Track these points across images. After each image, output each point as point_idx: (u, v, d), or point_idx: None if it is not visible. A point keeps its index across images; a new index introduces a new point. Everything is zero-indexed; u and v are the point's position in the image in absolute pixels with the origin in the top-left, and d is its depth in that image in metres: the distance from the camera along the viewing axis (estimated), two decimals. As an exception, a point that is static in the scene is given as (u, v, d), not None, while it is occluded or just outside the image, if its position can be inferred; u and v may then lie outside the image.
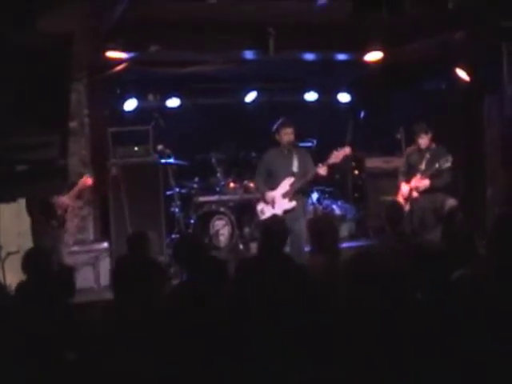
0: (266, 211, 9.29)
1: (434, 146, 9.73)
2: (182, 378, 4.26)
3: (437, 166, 9.33)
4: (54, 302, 5.55)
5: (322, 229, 6.64)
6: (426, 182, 9.48)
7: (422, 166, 9.58)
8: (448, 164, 9.27)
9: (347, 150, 9.23)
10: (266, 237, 6.49)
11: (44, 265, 6.23)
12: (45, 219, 8.72)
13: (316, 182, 9.54)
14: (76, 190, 9.26)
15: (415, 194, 9.52)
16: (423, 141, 9.68)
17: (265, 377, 4.25)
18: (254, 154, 11.57)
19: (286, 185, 9.23)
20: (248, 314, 4.82)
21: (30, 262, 6.26)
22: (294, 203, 9.21)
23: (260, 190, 9.64)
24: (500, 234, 4.89)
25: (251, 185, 11.62)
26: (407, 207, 9.43)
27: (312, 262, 6.61)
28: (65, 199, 9.03)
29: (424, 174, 9.48)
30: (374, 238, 11.73)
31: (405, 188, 9.69)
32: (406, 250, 6.26)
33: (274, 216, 8.53)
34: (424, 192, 9.52)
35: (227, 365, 4.31)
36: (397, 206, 8.30)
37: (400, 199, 9.63)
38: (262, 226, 6.99)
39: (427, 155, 9.61)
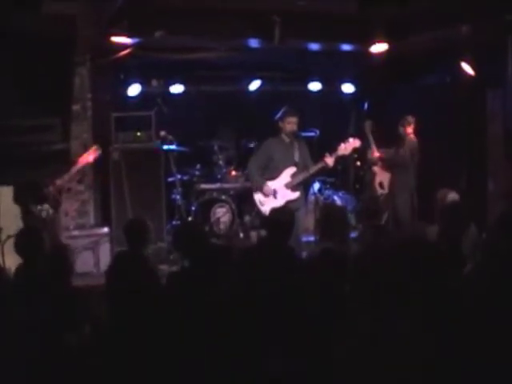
0: (265, 202, 9.20)
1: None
2: (182, 364, 4.27)
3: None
4: (51, 282, 5.57)
5: (332, 218, 6.62)
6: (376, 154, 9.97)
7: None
8: None
9: (357, 143, 9.21)
10: (275, 227, 6.48)
11: (35, 244, 6.22)
12: (29, 204, 8.61)
13: (318, 172, 9.48)
14: (75, 169, 9.06)
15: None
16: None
17: (263, 365, 4.26)
18: (256, 143, 11.53)
19: (287, 175, 9.15)
20: (249, 302, 4.82)
21: (20, 242, 6.27)
22: (297, 193, 9.15)
23: (254, 180, 9.42)
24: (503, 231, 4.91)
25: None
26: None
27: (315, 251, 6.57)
28: (57, 181, 8.82)
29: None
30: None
31: None
32: (384, 243, 6.27)
33: (285, 207, 8.46)
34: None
35: (226, 352, 4.32)
36: (373, 200, 8.33)
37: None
38: (271, 216, 6.97)
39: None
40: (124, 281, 4.81)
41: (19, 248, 6.24)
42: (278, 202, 8.99)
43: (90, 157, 9.03)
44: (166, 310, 4.76)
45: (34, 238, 6.30)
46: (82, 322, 5.05)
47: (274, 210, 7.37)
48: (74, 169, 8.97)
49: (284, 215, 6.71)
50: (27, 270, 6.04)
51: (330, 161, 9.01)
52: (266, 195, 9.16)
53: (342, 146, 9.11)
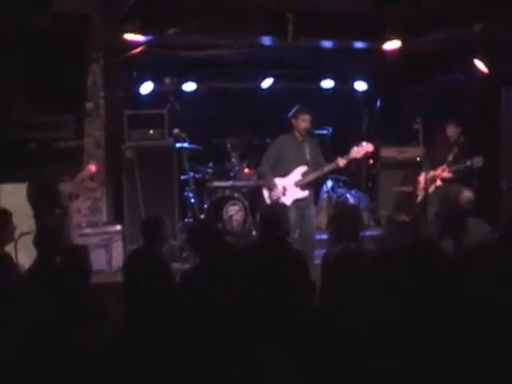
0: (274, 197, 9.18)
1: (462, 139, 9.72)
2: (193, 362, 4.27)
3: (468, 163, 9.30)
4: (67, 282, 5.57)
5: (345, 216, 6.60)
6: (448, 175, 9.48)
7: (449, 158, 9.55)
8: (480, 164, 9.26)
9: (370, 148, 9.17)
10: (263, 222, 6.52)
11: (55, 241, 6.19)
12: (46, 205, 8.66)
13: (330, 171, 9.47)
14: (79, 177, 9.22)
15: (438, 182, 9.52)
16: (452, 132, 9.69)
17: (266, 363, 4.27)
18: (268, 141, 11.52)
19: (298, 173, 9.16)
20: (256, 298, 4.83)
21: (41, 238, 6.24)
22: (306, 192, 9.16)
23: (264, 176, 9.42)
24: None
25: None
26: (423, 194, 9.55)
27: (330, 250, 6.54)
28: (67, 186, 8.92)
29: (450, 167, 9.48)
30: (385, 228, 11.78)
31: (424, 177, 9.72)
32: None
33: (274, 202, 8.52)
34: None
35: (238, 350, 4.33)
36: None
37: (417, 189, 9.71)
38: (260, 212, 7.01)
39: (455, 148, 9.59)
40: (138, 279, 4.80)
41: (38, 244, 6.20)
42: (286, 199, 9.01)
43: (92, 168, 9.18)
44: (180, 309, 4.76)
45: (54, 235, 6.28)
46: (98, 320, 5.04)
47: (263, 206, 7.41)
48: (79, 177, 9.13)
49: (271, 210, 6.72)
50: (43, 266, 6.02)
51: (341, 162, 9.04)
52: (270, 190, 9.18)
53: (355, 148, 9.10)
